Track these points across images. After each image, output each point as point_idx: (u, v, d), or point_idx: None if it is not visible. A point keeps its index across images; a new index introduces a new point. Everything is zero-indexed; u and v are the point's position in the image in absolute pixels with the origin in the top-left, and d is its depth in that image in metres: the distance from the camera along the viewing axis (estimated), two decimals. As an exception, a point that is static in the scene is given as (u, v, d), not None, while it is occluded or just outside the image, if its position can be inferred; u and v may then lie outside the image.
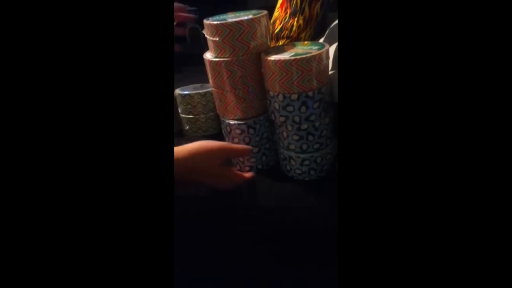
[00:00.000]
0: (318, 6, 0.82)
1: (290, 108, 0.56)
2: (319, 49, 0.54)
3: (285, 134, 0.59)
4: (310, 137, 0.58)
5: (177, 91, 0.77)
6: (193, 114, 0.76)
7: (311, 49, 0.55)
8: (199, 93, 0.74)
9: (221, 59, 0.57)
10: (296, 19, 0.82)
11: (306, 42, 0.63)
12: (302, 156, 0.59)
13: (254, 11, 0.60)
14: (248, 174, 0.59)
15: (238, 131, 0.62)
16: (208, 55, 0.59)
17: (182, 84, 0.81)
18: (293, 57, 0.52)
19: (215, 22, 0.54)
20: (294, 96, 0.54)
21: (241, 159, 0.64)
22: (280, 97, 0.55)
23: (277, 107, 0.57)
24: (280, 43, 0.86)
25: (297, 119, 0.56)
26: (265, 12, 0.59)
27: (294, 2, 0.82)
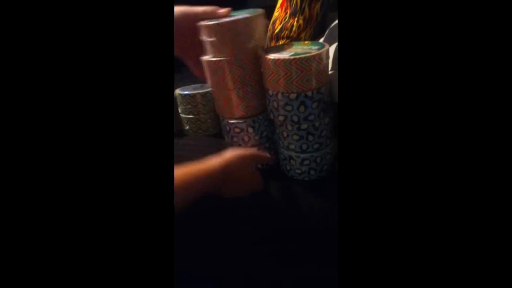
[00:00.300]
0: (318, 6, 0.82)
1: (288, 108, 0.56)
2: (319, 49, 0.54)
3: (285, 134, 0.59)
4: (310, 137, 0.58)
5: (177, 91, 0.77)
6: (193, 114, 0.76)
7: (311, 49, 0.55)
8: (199, 93, 0.74)
9: (219, 59, 0.57)
10: (296, 19, 0.82)
11: (306, 42, 0.63)
12: (302, 156, 0.59)
13: (251, 10, 0.60)
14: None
15: (237, 130, 0.62)
16: (206, 57, 0.59)
17: (182, 84, 0.81)
18: (292, 57, 0.52)
19: (211, 23, 0.54)
20: (293, 96, 0.54)
21: None
22: (279, 96, 0.55)
23: (276, 106, 0.57)
24: (280, 43, 0.86)
25: (295, 118, 0.56)
26: (261, 11, 0.59)
27: (294, 2, 0.82)
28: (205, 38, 0.57)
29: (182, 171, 0.44)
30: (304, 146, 0.59)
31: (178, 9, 0.56)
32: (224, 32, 0.54)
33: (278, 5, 0.88)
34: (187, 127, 0.79)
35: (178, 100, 0.77)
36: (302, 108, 0.55)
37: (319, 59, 0.53)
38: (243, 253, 0.58)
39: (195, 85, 0.79)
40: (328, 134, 0.60)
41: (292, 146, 0.60)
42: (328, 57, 0.56)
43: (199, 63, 0.60)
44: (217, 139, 0.72)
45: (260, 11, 0.58)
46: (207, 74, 0.61)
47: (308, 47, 0.57)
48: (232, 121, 0.62)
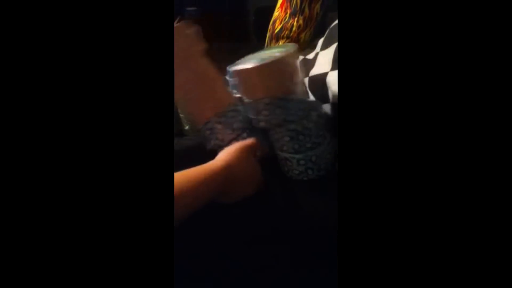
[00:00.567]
0: (318, 6, 0.82)
1: (265, 113, 0.56)
2: (284, 51, 0.54)
3: (276, 136, 0.60)
4: (301, 137, 0.58)
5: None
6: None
7: (278, 51, 0.56)
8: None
9: None
10: (296, 19, 0.82)
11: (280, 44, 0.64)
12: (296, 156, 0.59)
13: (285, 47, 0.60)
14: None
15: (208, 132, 0.62)
16: None
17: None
18: (254, 64, 0.52)
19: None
20: (267, 100, 0.55)
21: None
22: (253, 104, 0.56)
23: (254, 113, 0.57)
24: (280, 43, 0.86)
25: (274, 121, 0.56)
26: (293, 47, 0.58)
27: (294, 2, 0.82)
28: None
29: (182, 178, 0.42)
30: (296, 146, 0.59)
31: None
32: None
33: (278, 5, 0.88)
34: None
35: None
36: (278, 111, 0.55)
37: (283, 63, 0.53)
38: (243, 253, 0.58)
39: None
40: (319, 132, 0.60)
41: (285, 148, 0.60)
42: (297, 57, 0.56)
43: None
44: None
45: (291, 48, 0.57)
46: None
47: (277, 50, 0.57)
48: (202, 125, 0.62)
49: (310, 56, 0.77)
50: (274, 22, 0.87)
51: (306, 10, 0.82)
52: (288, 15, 0.84)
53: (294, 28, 0.83)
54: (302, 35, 0.84)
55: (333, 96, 0.66)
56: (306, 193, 0.59)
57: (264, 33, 0.91)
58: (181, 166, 0.43)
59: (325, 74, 0.68)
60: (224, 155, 0.51)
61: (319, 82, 0.69)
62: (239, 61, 0.59)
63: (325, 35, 0.75)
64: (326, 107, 0.69)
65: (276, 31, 0.86)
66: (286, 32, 0.85)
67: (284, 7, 0.85)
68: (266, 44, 0.91)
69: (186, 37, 0.58)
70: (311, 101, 0.59)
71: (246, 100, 0.57)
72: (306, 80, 0.74)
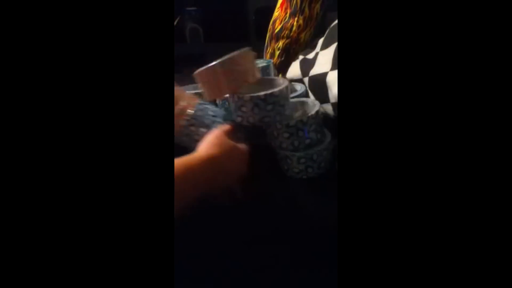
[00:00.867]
0: (318, 6, 0.82)
1: (240, 112, 0.58)
2: (238, 52, 0.56)
3: (275, 133, 0.60)
4: (300, 133, 0.58)
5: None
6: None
7: (236, 52, 0.57)
8: (199, 93, 0.74)
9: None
10: (296, 19, 0.82)
11: (280, 44, 0.66)
12: (297, 154, 0.59)
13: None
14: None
15: (185, 132, 0.63)
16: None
17: (182, 84, 0.81)
18: (206, 67, 0.55)
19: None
20: (247, 97, 0.56)
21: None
22: (225, 102, 0.58)
23: (233, 107, 0.59)
24: (280, 43, 0.86)
25: (251, 119, 0.57)
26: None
27: (294, 2, 0.82)
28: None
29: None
30: (296, 143, 0.59)
31: None
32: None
33: (278, 5, 0.88)
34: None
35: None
36: (256, 110, 0.56)
37: (233, 62, 0.55)
38: (243, 253, 0.58)
39: (195, 85, 0.79)
40: (318, 129, 0.60)
41: (284, 145, 0.60)
42: (250, 60, 0.58)
43: None
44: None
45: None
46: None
47: (239, 52, 0.59)
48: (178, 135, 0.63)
49: (310, 56, 0.77)
50: (274, 22, 0.87)
51: (306, 10, 0.82)
52: (288, 15, 0.84)
53: (294, 28, 0.83)
54: (302, 35, 0.84)
55: (333, 96, 0.66)
56: (306, 193, 0.60)
57: (264, 33, 0.91)
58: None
59: (325, 74, 0.68)
60: (204, 145, 0.50)
61: (319, 82, 0.69)
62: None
63: (325, 35, 0.75)
64: (326, 107, 0.69)
65: (276, 31, 0.86)
66: (286, 32, 0.85)
67: (284, 7, 0.85)
68: (266, 44, 0.91)
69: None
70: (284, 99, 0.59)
71: (207, 99, 0.60)
72: (306, 79, 0.74)
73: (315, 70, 0.71)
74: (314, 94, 0.72)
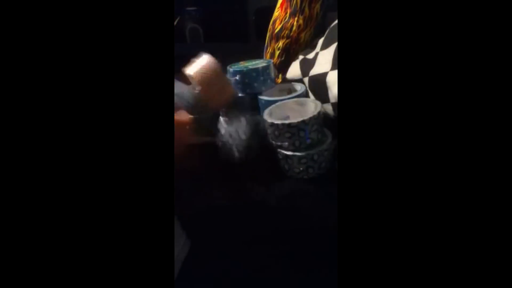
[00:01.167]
0: (318, 6, 0.82)
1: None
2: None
3: (276, 133, 0.60)
4: (302, 133, 0.58)
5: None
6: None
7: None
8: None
9: None
10: (296, 18, 0.82)
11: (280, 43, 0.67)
12: (298, 154, 0.59)
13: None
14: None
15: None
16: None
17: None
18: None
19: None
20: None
21: None
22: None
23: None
24: (280, 43, 0.86)
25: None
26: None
27: (294, 2, 0.82)
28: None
29: None
30: (297, 143, 0.59)
31: None
32: None
33: (278, 5, 0.88)
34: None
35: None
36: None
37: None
38: (243, 253, 0.58)
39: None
40: (319, 129, 0.60)
41: (285, 145, 0.60)
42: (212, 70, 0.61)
43: None
44: None
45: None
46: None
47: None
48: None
49: (310, 56, 0.77)
50: (274, 22, 0.87)
51: (306, 10, 0.82)
52: (288, 15, 0.84)
53: (294, 28, 0.83)
54: (302, 35, 0.84)
55: (333, 96, 0.66)
56: (306, 193, 0.60)
57: (264, 33, 0.91)
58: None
59: (325, 74, 0.68)
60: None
61: (319, 82, 0.69)
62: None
63: (325, 35, 0.75)
64: (326, 107, 0.69)
65: (276, 31, 0.86)
66: (286, 32, 0.84)
67: (284, 6, 0.85)
68: (266, 44, 0.91)
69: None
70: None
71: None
72: (306, 80, 0.74)
73: (315, 70, 0.71)
74: (314, 94, 0.72)
